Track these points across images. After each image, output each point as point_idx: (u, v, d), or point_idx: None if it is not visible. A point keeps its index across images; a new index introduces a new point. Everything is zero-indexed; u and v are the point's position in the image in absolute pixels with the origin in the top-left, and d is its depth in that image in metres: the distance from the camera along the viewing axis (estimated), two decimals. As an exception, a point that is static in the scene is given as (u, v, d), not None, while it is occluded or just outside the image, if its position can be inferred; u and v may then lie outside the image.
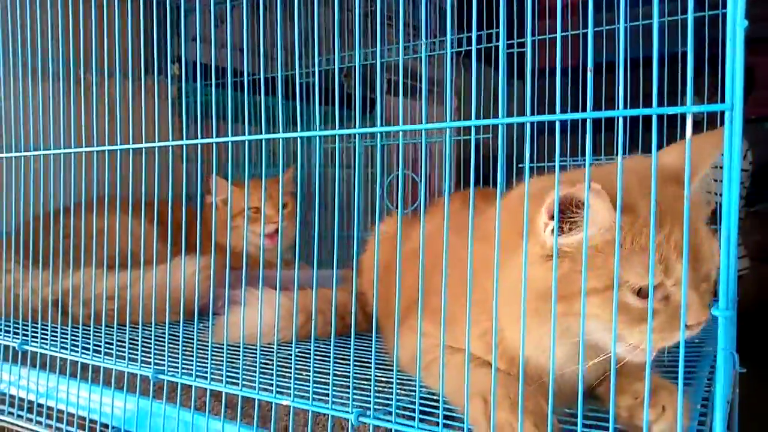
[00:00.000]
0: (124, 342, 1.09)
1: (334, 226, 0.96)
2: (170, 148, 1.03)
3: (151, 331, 1.00)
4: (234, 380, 0.91)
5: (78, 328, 1.19)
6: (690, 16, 0.63)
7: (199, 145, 1.04)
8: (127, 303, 1.28)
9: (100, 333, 1.05)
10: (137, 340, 1.04)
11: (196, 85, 2.00)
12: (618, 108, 0.67)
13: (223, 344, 1.03)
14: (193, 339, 1.02)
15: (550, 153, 0.71)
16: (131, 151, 1.06)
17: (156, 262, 1.34)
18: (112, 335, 1.06)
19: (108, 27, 1.10)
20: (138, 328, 1.13)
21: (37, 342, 1.14)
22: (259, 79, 1.06)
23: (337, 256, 0.93)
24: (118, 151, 1.07)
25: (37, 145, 1.27)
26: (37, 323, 1.21)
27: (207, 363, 0.92)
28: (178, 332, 0.98)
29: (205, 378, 0.92)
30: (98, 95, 1.13)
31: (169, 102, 1.43)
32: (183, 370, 0.95)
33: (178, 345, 0.96)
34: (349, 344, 0.82)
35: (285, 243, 1.80)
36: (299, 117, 0.91)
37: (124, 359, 1.01)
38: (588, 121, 0.68)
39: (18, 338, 1.16)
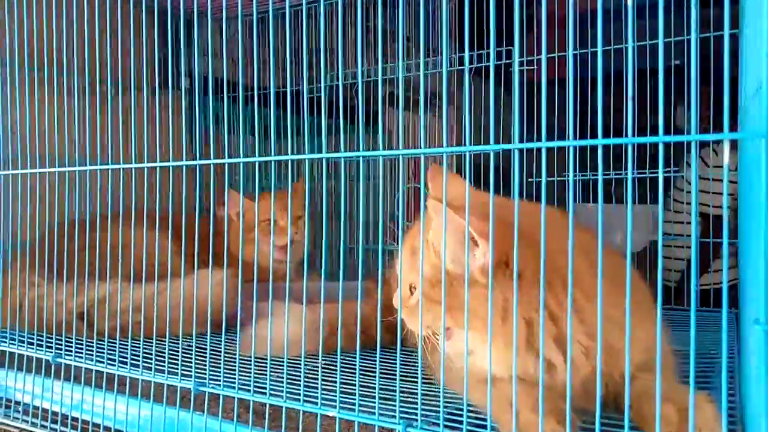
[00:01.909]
0: (151, 354, 1.11)
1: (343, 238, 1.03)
2: (183, 167, 1.08)
3: (184, 343, 1.03)
4: (277, 392, 0.94)
5: (103, 341, 1.23)
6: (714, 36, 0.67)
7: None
8: (153, 315, 1.30)
9: (133, 346, 1.08)
10: (164, 352, 1.07)
11: (206, 98, 2.04)
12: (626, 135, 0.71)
13: (250, 356, 1.07)
14: (226, 351, 1.05)
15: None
16: (146, 169, 1.11)
17: (170, 275, 1.38)
18: (139, 347, 1.08)
19: (122, 39, 1.13)
20: (165, 341, 1.17)
21: (71, 354, 1.16)
22: (274, 93, 1.11)
23: (362, 268, 0.99)
24: (133, 170, 1.11)
25: (53, 160, 1.30)
26: (62, 336, 1.23)
27: (249, 375, 0.95)
28: (211, 344, 1.02)
29: (248, 390, 0.95)
30: (113, 108, 1.16)
31: (183, 117, 1.47)
32: (224, 383, 0.98)
33: (208, 357, 1.00)
34: (376, 356, 0.86)
35: (298, 255, 1.84)
36: (306, 131, 0.96)
37: (163, 372, 1.04)
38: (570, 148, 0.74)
39: (51, 351, 1.18)
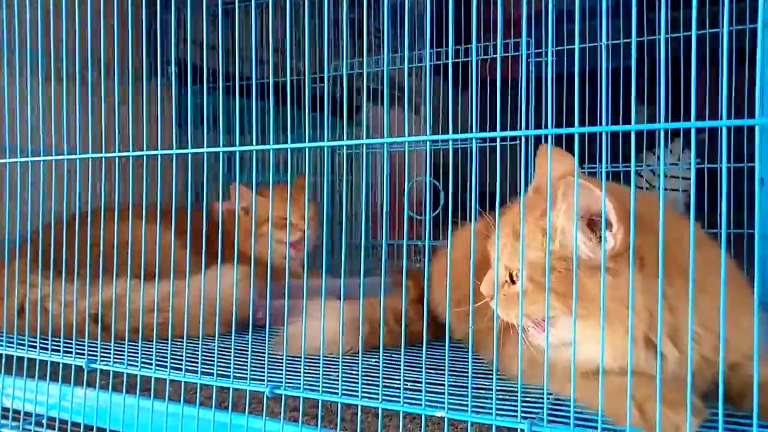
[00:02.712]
0: (196, 356, 1.04)
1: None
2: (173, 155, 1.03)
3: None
4: (352, 392, 0.89)
5: (124, 343, 1.13)
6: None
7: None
8: (170, 315, 1.22)
9: (160, 347, 1.00)
10: (213, 354, 1.00)
11: (196, 88, 1.93)
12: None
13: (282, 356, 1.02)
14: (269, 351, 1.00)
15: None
16: (145, 158, 1.06)
17: (173, 272, 1.29)
18: (166, 347, 1.01)
19: (106, 24, 1.07)
20: (198, 342, 1.09)
21: (109, 360, 1.05)
22: (265, 84, 1.08)
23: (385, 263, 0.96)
24: (132, 158, 1.06)
25: (37, 148, 1.20)
26: (72, 339, 1.13)
27: (318, 375, 0.91)
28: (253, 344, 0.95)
29: (335, 392, 0.90)
30: (102, 96, 1.08)
31: (173, 106, 1.39)
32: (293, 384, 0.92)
33: (285, 359, 0.94)
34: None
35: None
36: (290, 124, 0.95)
37: (228, 377, 0.96)
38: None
39: (82, 357, 1.07)
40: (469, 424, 0.81)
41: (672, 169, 2.66)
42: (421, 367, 0.87)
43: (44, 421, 1.12)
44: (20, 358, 1.14)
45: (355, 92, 2.02)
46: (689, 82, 0.69)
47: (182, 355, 1.00)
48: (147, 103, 1.09)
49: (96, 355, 1.08)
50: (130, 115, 1.05)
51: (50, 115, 1.12)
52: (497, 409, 0.79)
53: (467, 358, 0.87)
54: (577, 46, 0.80)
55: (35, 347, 1.15)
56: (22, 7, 1.21)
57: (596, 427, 0.74)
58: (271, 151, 1.05)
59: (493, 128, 0.82)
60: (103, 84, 1.08)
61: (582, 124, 0.76)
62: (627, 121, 0.74)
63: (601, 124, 0.75)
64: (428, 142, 0.99)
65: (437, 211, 1.71)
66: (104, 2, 1.05)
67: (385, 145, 1.02)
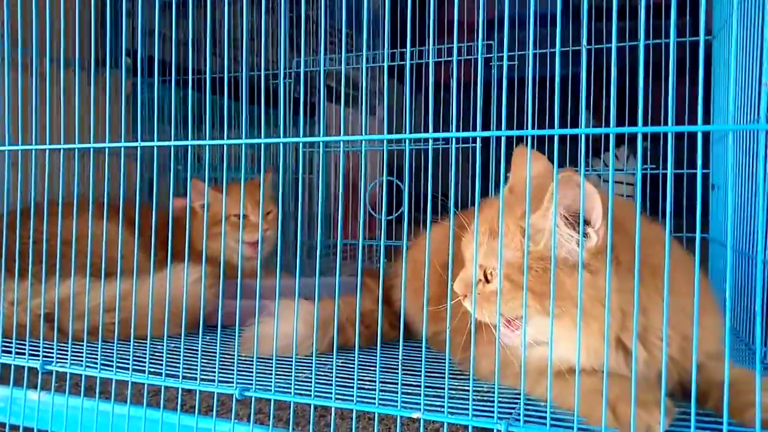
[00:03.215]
0: (161, 357, 1.01)
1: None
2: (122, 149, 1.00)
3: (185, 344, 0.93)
4: (326, 393, 0.88)
5: (80, 344, 1.08)
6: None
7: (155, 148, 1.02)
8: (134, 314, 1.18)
9: (121, 348, 0.96)
10: (179, 355, 0.97)
11: (150, 80, 1.87)
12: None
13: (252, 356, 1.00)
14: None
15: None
16: (77, 151, 1.02)
17: (119, 270, 1.25)
18: (145, 349, 0.99)
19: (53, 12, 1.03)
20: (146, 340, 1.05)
21: (66, 362, 1.00)
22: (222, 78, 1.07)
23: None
24: (62, 150, 1.02)
25: None
26: (25, 339, 1.08)
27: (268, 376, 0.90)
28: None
29: (309, 394, 0.88)
30: (51, 85, 1.05)
31: (122, 98, 1.35)
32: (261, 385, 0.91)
33: (254, 360, 0.92)
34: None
35: (267, 250, 1.74)
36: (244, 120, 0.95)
37: (196, 379, 0.93)
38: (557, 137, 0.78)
39: (36, 359, 1.02)
40: (445, 425, 0.80)
41: (618, 175, 2.74)
42: (388, 368, 0.86)
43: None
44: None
45: (315, 90, 2.01)
46: (635, 91, 0.72)
47: (143, 357, 0.96)
48: (98, 95, 1.04)
49: (51, 357, 1.03)
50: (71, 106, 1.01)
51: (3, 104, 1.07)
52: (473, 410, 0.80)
53: (426, 357, 0.87)
54: (530, 52, 0.82)
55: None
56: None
57: (572, 427, 0.75)
58: (225, 146, 1.04)
59: (447, 129, 0.84)
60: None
61: (533, 127, 0.78)
62: (575, 126, 0.76)
63: (553, 127, 0.76)
64: (385, 142, 0.99)
65: (400, 211, 1.71)
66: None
67: (342, 143, 1.03)
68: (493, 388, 0.79)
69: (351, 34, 2.49)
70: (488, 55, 2.02)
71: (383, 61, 2.11)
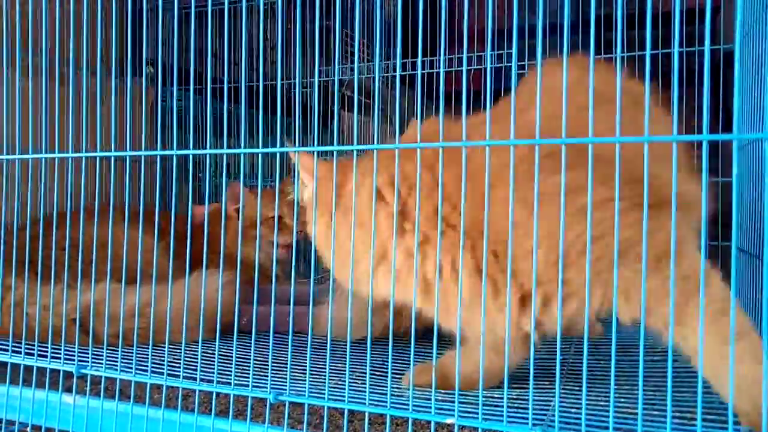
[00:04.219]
0: (195, 362, 1.02)
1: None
2: (158, 157, 1.02)
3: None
4: (359, 399, 0.88)
5: (111, 348, 1.10)
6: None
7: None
8: (160, 319, 1.19)
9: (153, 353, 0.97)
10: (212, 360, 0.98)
11: (173, 89, 1.90)
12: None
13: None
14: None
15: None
16: (128, 158, 1.03)
17: (155, 275, 1.26)
18: (179, 354, 0.99)
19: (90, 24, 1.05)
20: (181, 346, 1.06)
21: (101, 365, 1.02)
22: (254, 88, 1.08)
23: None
24: (97, 158, 1.04)
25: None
26: (57, 343, 1.09)
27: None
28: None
29: (343, 399, 0.87)
30: (75, 93, 1.06)
31: (143, 106, 1.36)
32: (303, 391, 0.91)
33: (289, 364, 0.92)
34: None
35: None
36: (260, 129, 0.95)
37: (230, 384, 0.94)
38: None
39: (71, 362, 1.03)
40: (479, 430, 0.80)
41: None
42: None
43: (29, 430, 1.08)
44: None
45: (330, 99, 2.03)
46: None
47: (177, 361, 0.98)
48: (121, 103, 1.06)
49: (86, 361, 1.04)
50: (96, 114, 1.03)
51: (27, 112, 1.09)
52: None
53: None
54: (539, 61, 0.83)
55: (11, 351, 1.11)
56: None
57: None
58: (243, 155, 1.04)
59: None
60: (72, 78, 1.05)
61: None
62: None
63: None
64: (396, 150, 0.99)
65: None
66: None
67: (355, 152, 1.03)
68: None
69: (365, 42, 2.51)
70: (498, 65, 2.06)
71: (395, 71, 2.13)
